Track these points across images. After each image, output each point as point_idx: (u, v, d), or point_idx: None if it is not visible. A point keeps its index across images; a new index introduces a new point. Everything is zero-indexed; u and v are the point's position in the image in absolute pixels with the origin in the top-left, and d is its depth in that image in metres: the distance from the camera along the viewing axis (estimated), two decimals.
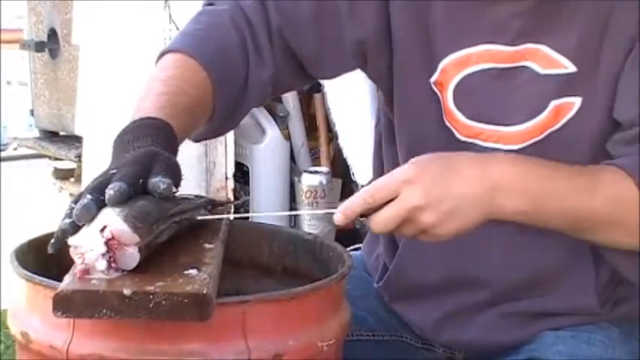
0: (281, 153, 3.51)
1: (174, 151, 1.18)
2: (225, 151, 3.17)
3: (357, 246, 1.62)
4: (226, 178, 3.18)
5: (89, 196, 1.06)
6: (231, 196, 3.12)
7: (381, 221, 1.19)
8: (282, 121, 3.57)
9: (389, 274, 1.50)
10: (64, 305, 1.00)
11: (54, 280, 1.09)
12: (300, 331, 1.13)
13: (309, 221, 3.13)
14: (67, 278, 1.04)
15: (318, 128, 3.61)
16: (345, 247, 1.32)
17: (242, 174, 3.42)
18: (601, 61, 1.30)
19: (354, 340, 1.43)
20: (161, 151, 1.14)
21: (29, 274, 1.13)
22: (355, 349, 1.40)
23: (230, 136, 3.17)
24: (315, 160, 3.64)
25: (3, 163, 3.76)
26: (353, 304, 1.26)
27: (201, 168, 3.16)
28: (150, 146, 1.14)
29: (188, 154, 3.12)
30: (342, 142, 3.27)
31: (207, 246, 1.18)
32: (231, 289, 1.24)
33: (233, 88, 1.35)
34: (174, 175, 1.12)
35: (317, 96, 3.57)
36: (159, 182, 1.09)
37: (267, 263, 1.40)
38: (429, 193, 1.19)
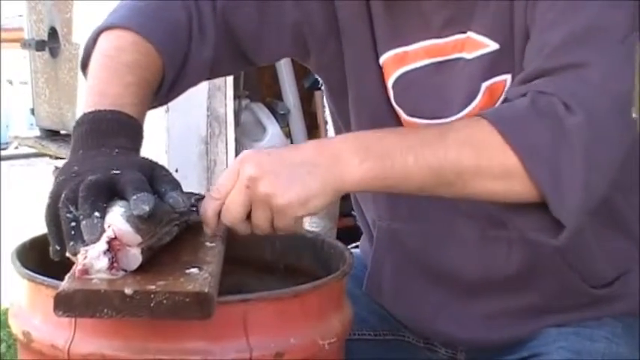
0: None
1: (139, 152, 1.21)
2: (226, 149, 3.18)
3: (358, 244, 1.62)
4: None
5: (97, 214, 1.05)
6: None
7: (228, 207, 1.15)
8: (282, 118, 3.58)
9: (369, 270, 1.51)
10: (65, 304, 1.00)
11: (55, 279, 1.08)
12: (302, 329, 1.13)
13: (310, 219, 3.13)
14: (68, 277, 1.04)
15: (318, 126, 3.62)
16: (347, 245, 1.32)
17: None
18: (515, 33, 1.30)
19: (356, 339, 1.43)
20: (158, 163, 1.15)
21: (30, 273, 1.13)
22: (357, 349, 1.41)
23: (231, 134, 3.18)
24: None
25: (4, 162, 3.76)
26: (355, 303, 1.26)
27: (202, 166, 3.16)
28: (131, 150, 1.16)
29: (189, 152, 3.13)
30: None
31: (209, 245, 1.17)
32: (232, 287, 1.24)
33: (175, 70, 1.36)
34: (179, 188, 1.13)
35: (317, 94, 3.57)
36: (178, 198, 1.10)
37: (268, 261, 1.39)
38: (262, 164, 1.14)
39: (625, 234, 1.41)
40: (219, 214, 1.16)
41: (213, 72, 1.43)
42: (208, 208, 1.16)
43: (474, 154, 1.16)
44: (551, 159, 1.16)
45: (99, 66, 1.29)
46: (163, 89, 1.34)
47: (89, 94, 1.24)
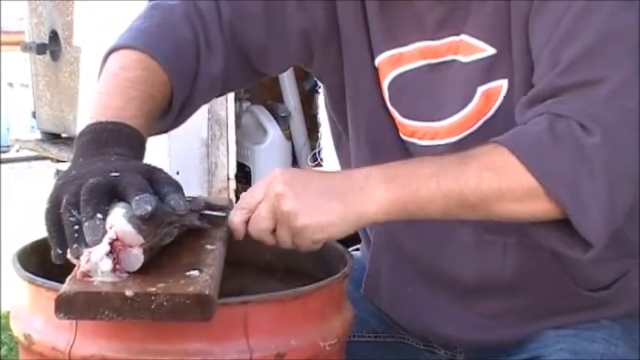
0: (283, 153, 3.51)
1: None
2: (227, 151, 3.18)
3: (358, 246, 1.63)
4: (228, 178, 3.19)
5: (99, 216, 1.06)
6: (233, 197, 3.12)
7: (255, 219, 1.20)
8: (283, 121, 3.58)
9: (367, 272, 1.51)
10: (66, 307, 1.00)
11: (56, 282, 1.09)
12: (303, 330, 1.13)
13: None
14: (69, 280, 1.04)
15: (319, 128, 3.62)
16: (347, 247, 1.32)
17: (244, 174, 3.43)
18: (512, 38, 1.30)
19: (356, 341, 1.43)
20: (157, 167, 1.16)
21: (31, 276, 1.14)
22: (357, 351, 1.41)
23: (232, 136, 3.18)
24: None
25: (5, 165, 3.76)
26: (355, 306, 1.26)
27: (203, 169, 3.16)
28: (129, 157, 1.16)
29: (190, 154, 3.13)
30: (324, 142, 3.27)
31: (209, 247, 1.18)
32: (233, 289, 1.24)
33: (185, 88, 1.36)
34: (181, 190, 1.14)
35: (318, 96, 3.57)
36: (179, 201, 1.10)
37: (269, 263, 1.40)
38: (291, 183, 1.18)
39: (622, 239, 1.41)
40: (246, 222, 1.21)
41: (224, 87, 1.44)
42: (236, 218, 1.21)
43: (494, 179, 1.19)
44: (570, 180, 1.18)
45: (103, 82, 1.30)
46: (174, 108, 1.34)
47: (92, 107, 1.25)
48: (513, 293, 1.41)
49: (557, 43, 1.24)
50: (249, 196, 1.21)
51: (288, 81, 3.59)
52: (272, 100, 3.67)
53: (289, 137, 3.59)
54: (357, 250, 1.62)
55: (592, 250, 1.21)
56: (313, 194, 1.18)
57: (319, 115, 3.34)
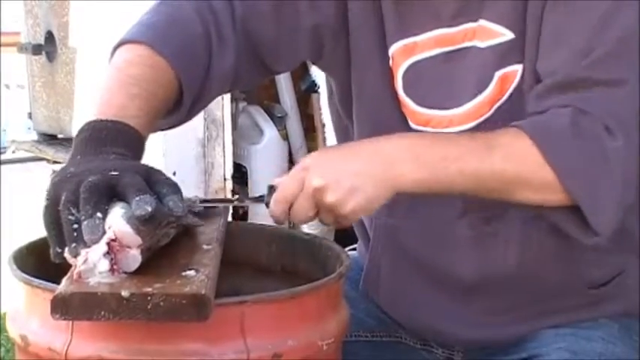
0: (279, 153, 3.51)
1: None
2: (224, 152, 3.18)
3: (355, 246, 1.63)
4: (225, 179, 3.19)
5: (99, 215, 1.05)
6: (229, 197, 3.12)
7: (297, 211, 1.24)
8: (280, 121, 3.57)
9: (366, 268, 1.51)
10: (62, 308, 1.00)
11: (53, 283, 1.09)
12: (300, 330, 1.13)
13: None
14: (65, 280, 1.04)
15: (316, 129, 3.62)
16: (344, 247, 1.32)
17: (240, 175, 3.42)
18: (527, 23, 1.32)
19: (354, 341, 1.43)
20: (155, 168, 1.15)
21: (27, 277, 1.13)
22: (354, 350, 1.41)
23: (228, 137, 3.18)
24: None
25: (2, 167, 3.76)
26: (351, 305, 1.26)
27: (199, 169, 3.16)
28: (127, 157, 1.16)
29: (186, 155, 3.13)
30: (330, 143, 3.27)
31: (206, 247, 1.18)
32: (230, 289, 1.24)
33: (196, 83, 1.36)
34: (180, 192, 1.14)
35: (314, 96, 3.57)
36: (178, 202, 1.10)
37: (265, 263, 1.40)
38: (326, 174, 1.22)
39: (621, 231, 1.41)
40: (287, 212, 1.25)
41: (234, 82, 1.44)
42: (277, 211, 1.25)
43: (518, 171, 1.24)
44: (589, 180, 1.23)
45: (107, 77, 1.30)
46: (185, 104, 1.34)
47: (95, 103, 1.25)
48: (513, 290, 1.42)
49: (586, 32, 1.26)
50: (285, 189, 1.24)
51: (284, 81, 3.59)
52: (268, 101, 3.67)
53: (286, 137, 3.58)
54: (354, 249, 1.62)
55: (597, 238, 1.26)
56: (348, 180, 1.22)
57: (322, 116, 3.33)
